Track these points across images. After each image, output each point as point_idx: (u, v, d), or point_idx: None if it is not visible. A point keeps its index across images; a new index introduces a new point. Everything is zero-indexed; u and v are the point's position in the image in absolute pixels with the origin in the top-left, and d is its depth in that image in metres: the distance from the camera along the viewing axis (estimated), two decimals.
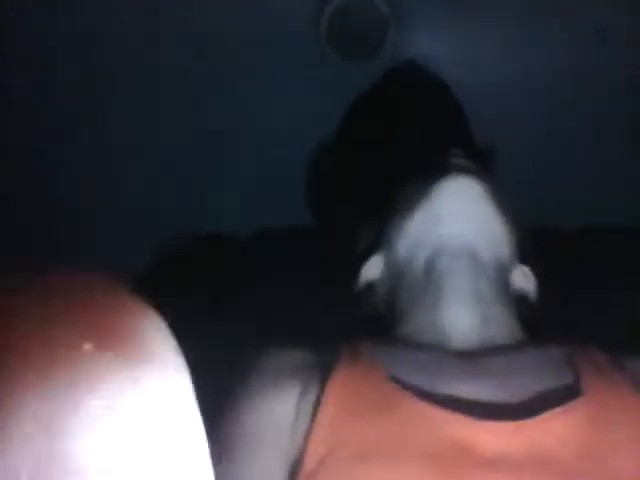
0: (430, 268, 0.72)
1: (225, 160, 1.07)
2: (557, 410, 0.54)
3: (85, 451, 0.28)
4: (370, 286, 0.80)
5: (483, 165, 0.81)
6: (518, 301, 0.78)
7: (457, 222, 0.72)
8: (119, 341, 0.30)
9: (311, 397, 0.58)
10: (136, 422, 0.29)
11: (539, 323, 0.76)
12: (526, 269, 0.80)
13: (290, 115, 1.03)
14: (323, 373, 0.59)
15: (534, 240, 0.82)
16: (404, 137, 1.01)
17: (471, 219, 0.72)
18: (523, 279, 0.79)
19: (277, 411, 0.59)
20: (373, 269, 0.80)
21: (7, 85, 0.97)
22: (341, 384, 0.57)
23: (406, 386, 0.57)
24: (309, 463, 0.53)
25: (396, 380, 0.57)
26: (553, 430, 0.53)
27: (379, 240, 0.80)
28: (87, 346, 0.29)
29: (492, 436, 0.53)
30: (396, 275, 0.76)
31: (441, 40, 1.01)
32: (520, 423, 0.54)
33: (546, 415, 0.54)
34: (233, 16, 0.96)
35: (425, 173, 0.77)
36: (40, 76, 1.00)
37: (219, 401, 0.60)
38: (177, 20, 0.96)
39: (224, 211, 1.07)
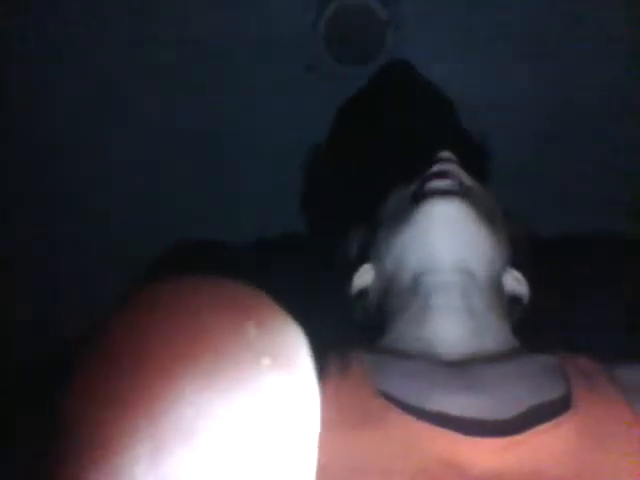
0: (417, 282, 0.71)
1: (225, 162, 1.07)
2: (548, 425, 0.53)
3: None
4: (362, 293, 0.80)
5: (476, 162, 0.79)
6: (511, 304, 0.77)
7: (442, 244, 0.71)
8: (276, 349, 0.31)
9: None
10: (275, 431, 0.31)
11: (531, 327, 0.76)
12: (517, 273, 0.79)
13: (287, 119, 1.03)
14: None
15: (526, 243, 0.82)
16: (394, 141, 1.01)
17: (457, 240, 0.71)
18: (515, 283, 0.79)
19: None
20: (364, 277, 0.79)
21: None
22: (330, 397, 0.55)
23: (395, 401, 0.56)
24: None
25: (385, 395, 0.56)
26: (544, 445, 0.52)
27: (370, 248, 0.80)
28: (250, 325, 0.30)
29: (481, 453, 0.52)
30: (385, 283, 0.76)
31: (439, 45, 1.00)
32: (510, 439, 0.53)
33: (536, 430, 0.53)
34: (232, 18, 0.95)
35: (411, 186, 0.76)
36: (39, 72, 1.00)
37: None
38: (176, 20, 0.96)
39: (221, 216, 1.08)
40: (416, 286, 0.71)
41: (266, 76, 1.00)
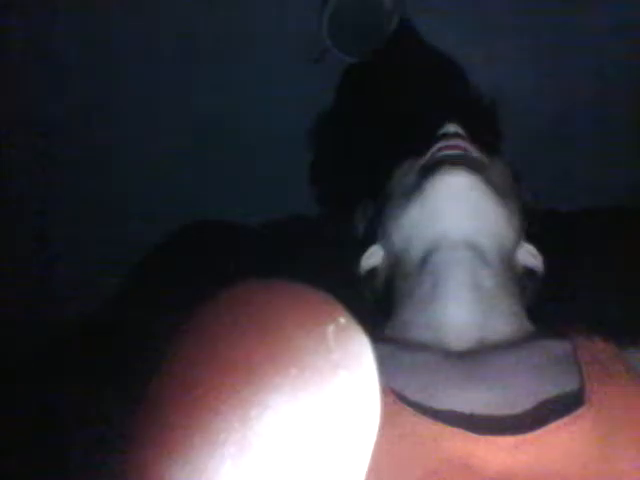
0: (426, 261, 0.69)
1: (225, 157, 1.06)
2: (561, 421, 0.51)
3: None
4: (372, 274, 0.78)
5: (486, 136, 0.79)
6: (526, 278, 0.76)
7: (453, 217, 0.69)
8: (351, 358, 0.32)
9: None
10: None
11: (544, 303, 0.75)
12: (532, 247, 0.77)
13: (290, 109, 1.02)
14: None
15: (539, 216, 0.81)
16: (400, 124, 1.00)
17: (467, 213, 0.70)
18: (530, 257, 0.77)
19: None
20: (373, 258, 0.78)
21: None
22: None
23: (405, 400, 0.54)
24: None
25: (395, 392, 0.55)
26: (557, 443, 0.50)
27: (378, 228, 0.78)
28: (329, 332, 0.32)
29: (493, 452, 0.50)
30: (393, 263, 0.74)
31: (444, 36, 1.00)
32: (522, 437, 0.50)
33: (549, 427, 0.51)
34: (235, 12, 0.95)
35: (418, 161, 0.75)
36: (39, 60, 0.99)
37: None
38: (178, 15, 0.96)
39: (224, 202, 1.07)
40: (424, 264, 0.69)
41: (267, 70, 1.00)
